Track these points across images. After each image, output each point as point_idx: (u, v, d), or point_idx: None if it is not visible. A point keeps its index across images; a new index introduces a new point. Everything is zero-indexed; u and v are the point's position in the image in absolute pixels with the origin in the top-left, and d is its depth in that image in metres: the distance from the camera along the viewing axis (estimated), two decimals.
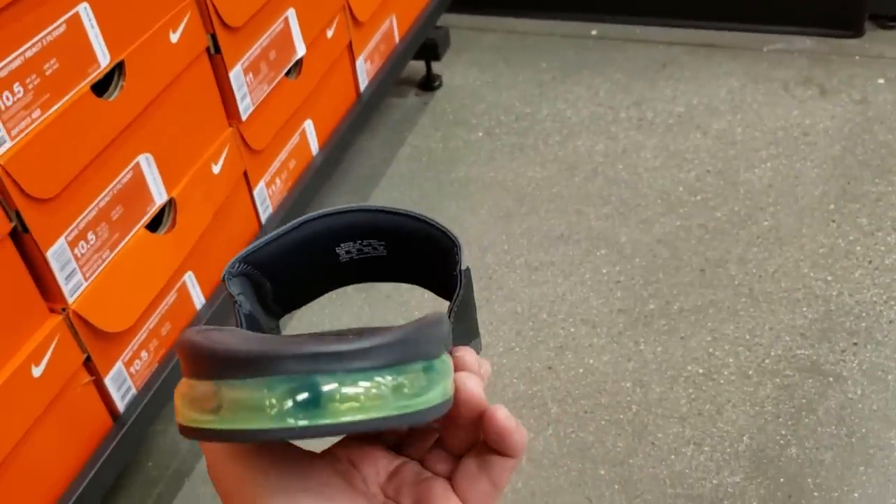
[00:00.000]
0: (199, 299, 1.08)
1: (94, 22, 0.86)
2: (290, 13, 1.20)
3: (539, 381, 1.23)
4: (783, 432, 1.14)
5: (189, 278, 1.05)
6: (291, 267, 0.42)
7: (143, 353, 0.99)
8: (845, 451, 1.11)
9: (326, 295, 0.45)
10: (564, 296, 1.35)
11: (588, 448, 1.15)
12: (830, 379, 1.20)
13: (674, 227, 1.45)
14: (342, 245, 0.42)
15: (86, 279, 0.89)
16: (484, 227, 1.49)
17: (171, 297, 1.02)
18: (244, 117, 1.13)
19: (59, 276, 0.85)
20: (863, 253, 1.37)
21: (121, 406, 0.97)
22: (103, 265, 0.91)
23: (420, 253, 0.44)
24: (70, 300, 0.87)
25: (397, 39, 1.58)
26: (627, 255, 1.41)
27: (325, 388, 0.28)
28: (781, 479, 1.09)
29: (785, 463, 1.11)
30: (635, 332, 1.29)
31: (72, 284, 0.87)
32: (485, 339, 1.29)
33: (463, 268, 0.41)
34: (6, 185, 0.78)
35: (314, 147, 1.35)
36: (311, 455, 0.35)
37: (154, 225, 1.00)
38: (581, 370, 1.24)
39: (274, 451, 0.34)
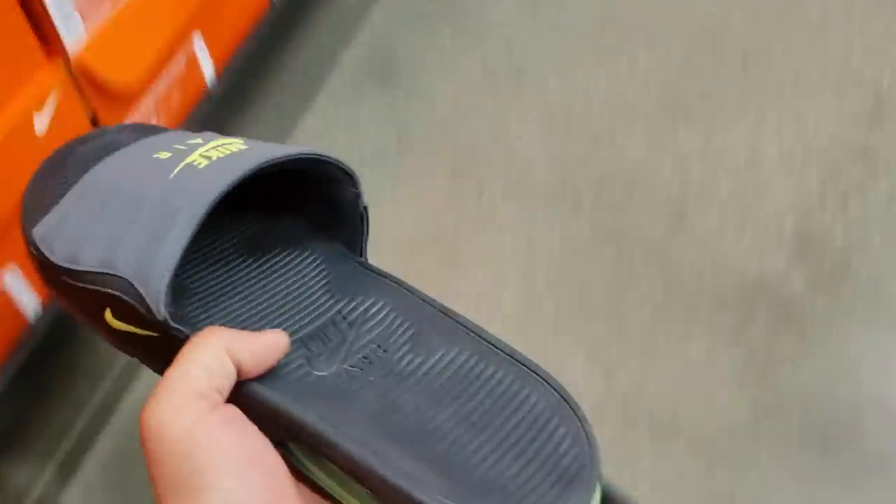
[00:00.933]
0: (209, 70, 1.00)
1: None
2: None
3: (573, 172, 1.17)
4: (829, 217, 1.09)
5: (198, 41, 0.96)
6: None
7: (153, 121, 0.92)
8: (895, 236, 1.06)
9: None
10: (599, 84, 1.26)
11: (624, 233, 1.10)
12: (879, 165, 1.13)
13: (714, 12, 1.34)
14: None
15: (85, 24, 0.80)
16: (507, 15, 1.38)
17: (179, 62, 0.94)
18: None
19: (59, 23, 0.76)
20: None
21: None
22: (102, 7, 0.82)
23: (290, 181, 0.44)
24: (70, 49, 0.78)
25: None
26: (666, 42, 1.31)
27: None
28: (827, 264, 1.05)
29: (831, 247, 1.06)
30: (674, 120, 1.21)
31: (71, 28, 0.78)
32: (513, 130, 1.22)
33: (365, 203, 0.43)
34: None
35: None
36: None
37: None
38: (617, 159, 1.17)
39: None
